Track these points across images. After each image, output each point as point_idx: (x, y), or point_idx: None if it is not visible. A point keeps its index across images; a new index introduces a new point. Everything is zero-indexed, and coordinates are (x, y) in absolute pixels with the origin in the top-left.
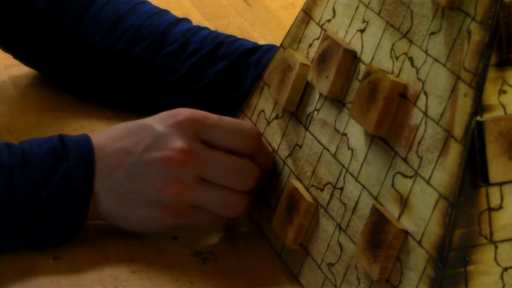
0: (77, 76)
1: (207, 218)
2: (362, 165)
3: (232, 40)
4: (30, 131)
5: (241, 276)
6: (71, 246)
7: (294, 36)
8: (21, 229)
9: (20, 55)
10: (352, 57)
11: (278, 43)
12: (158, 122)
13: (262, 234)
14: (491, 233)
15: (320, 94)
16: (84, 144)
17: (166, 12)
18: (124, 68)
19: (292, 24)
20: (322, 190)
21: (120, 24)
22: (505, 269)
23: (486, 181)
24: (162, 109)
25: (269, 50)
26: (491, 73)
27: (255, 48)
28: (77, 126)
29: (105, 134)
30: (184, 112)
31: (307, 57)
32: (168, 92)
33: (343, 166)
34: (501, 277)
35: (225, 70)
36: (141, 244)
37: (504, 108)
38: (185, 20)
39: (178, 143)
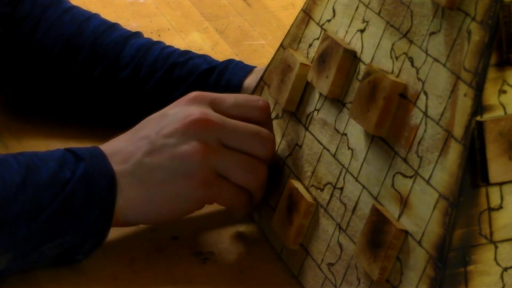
0: (38, 94)
1: (231, 191)
2: (362, 165)
3: (184, 60)
4: (30, 131)
5: (241, 276)
6: None
7: (294, 36)
8: (50, 230)
9: None
10: (352, 57)
11: (278, 43)
12: (167, 108)
13: (262, 234)
14: (491, 233)
15: (320, 94)
16: (94, 149)
17: (112, 28)
18: (85, 88)
19: (292, 24)
20: (322, 190)
21: (69, 47)
22: (505, 269)
23: (486, 181)
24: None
25: (225, 68)
26: (491, 73)
27: (211, 69)
28: (76, 126)
29: (111, 140)
30: (191, 93)
31: (307, 57)
32: (131, 111)
33: (343, 166)
34: (501, 277)
35: (184, 94)
36: (141, 244)
37: (504, 108)
38: (134, 36)
39: (196, 110)
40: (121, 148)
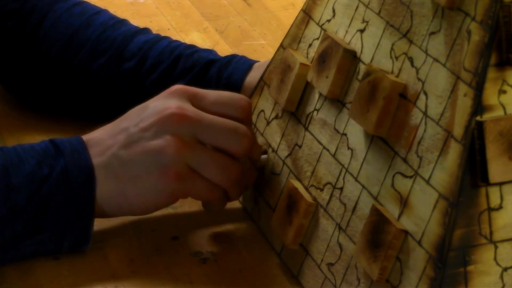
0: (39, 90)
1: (204, 186)
2: (362, 165)
3: (190, 52)
4: (30, 131)
5: (241, 276)
6: None
7: (294, 36)
8: (27, 229)
9: None
10: (352, 57)
11: (278, 43)
12: (150, 101)
13: (262, 234)
14: (491, 233)
15: (320, 94)
16: (76, 142)
17: (122, 23)
18: (85, 84)
19: (292, 24)
20: (321, 190)
21: (75, 38)
22: (505, 269)
23: (486, 181)
24: None
25: (228, 62)
26: (491, 73)
27: (214, 61)
28: (77, 126)
29: (96, 130)
30: (174, 86)
31: (307, 57)
32: (131, 103)
33: (342, 166)
34: (501, 277)
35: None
36: (141, 244)
37: (504, 108)
38: (142, 32)
39: (174, 103)
40: (101, 140)
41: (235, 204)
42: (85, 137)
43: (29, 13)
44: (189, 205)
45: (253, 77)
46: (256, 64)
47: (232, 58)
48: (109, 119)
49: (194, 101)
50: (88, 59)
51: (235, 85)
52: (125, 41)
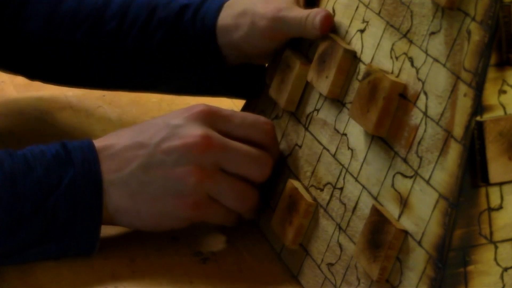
0: (28, 66)
1: (221, 213)
2: (362, 165)
3: (167, 1)
4: (30, 131)
5: (241, 276)
6: None
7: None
8: (32, 239)
9: None
10: (352, 57)
11: None
12: (171, 117)
13: (262, 234)
14: (491, 233)
15: (320, 94)
16: (88, 150)
17: None
18: (72, 54)
19: None
20: (321, 190)
21: (58, 10)
22: (505, 269)
23: (486, 181)
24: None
25: (201, 5)
26: (491, 73)
27: (187, 5)
28: (77, 126)
29: (110, 135)
30: (198, 106)
31: (307, 57)
32: (120, 69)
33: (343, 166)
34: (501, 277)
35: (165, 38)
36: (141, 244)
37: (504, 108)
38: None
39: (197, 130)
40: (118, 152)
41: None
42: (99, 143)
43: None
44: None
45: (223, 18)
46: (227, 3)
47: (204, 0)
48: (104, 85)
49: (218, 124)
50: (71, 29)
51: (209, 28)
52: (107, 2)
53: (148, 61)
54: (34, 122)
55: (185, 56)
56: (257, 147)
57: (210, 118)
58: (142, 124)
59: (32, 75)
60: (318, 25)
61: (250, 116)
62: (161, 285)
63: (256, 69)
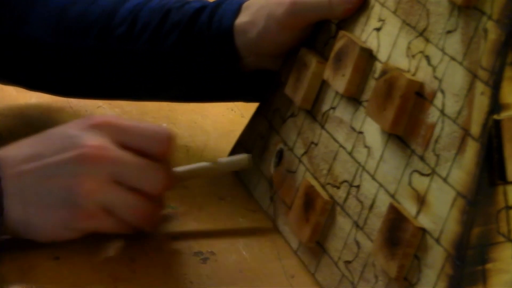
0: (34, 76)
1: (115, 224)
2: (378, 163)
3: (180, 5)
4: (31, 132)
5: (241, 276)
6: (71, 246)
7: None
8: None
9: None
10: (368, 55)
11: None
12: (70, 127)
13: (261, 234)
14: (509, 231)
15: (336, 92)
16: None
17: None
18: (80, 61)
19: None
20: (338, 188)
21: (65, 16)
22: None
23: (503, 179)
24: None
25: (218, 6)
26: (508, 72)
27: (203, 8)
28: None
29: (13, 146)
30: (98, 117)
31: (323, 55)
32: (131, 71)
33: (359, 164)
34: None
35: (179, 41)
36: (141, 244)
37: None
38: None
39: (92, 140)
40: (16, 162)
41: (235, 204)
42: (2, 151)
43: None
44: (189, 205)
45: (241, 18)
46: (245, 4)
47: (222, 1)
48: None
49: (116, 135)
50: (80, 35)
51: (226, 28)
52: (115, 8)
53: (160, 65)
54: (34, 122)
55: (199, 58)
56: (155, 159)
57: (108, 128)
58: (42, 134)
59: (33, 85)
60: None
61: (150, 128)
62: (161, 285)
63: (270, 73)
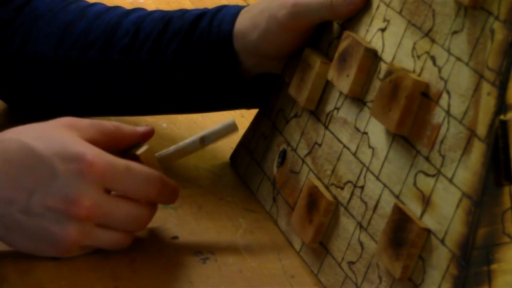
0: (35, 94)
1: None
2: (383, 163)
3: (181, 14)
4: None
5: (241, 276)
6: None
7: (313, 35)
8: None
9: None
10: (373, 56)
11: None
12: (59, 160)
13: (261, 234)
14: None
15: (340, 93)
16: None
17: (116, 8)
18: (84, 73)
19: None
20: (342, 188)
21: (69, 31)
22: None
23: (509, 180)
24: (134, 103)
25: (218, 12)
26: None
27: (204, 14)
28: None
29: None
30: (87, 158)
31: (327, 55)
32: (134, 83)
33: (363, 164)
34: None
35: (179, 48)
36: (141, 244)
37: None
38: (137, 10)
39: (84, 195)
40: (3, 185)
41: (235, 204)
42: None
43: (23, 22)
44: (189, 205)
45: (241, 22)
46: (245, 9)
47: (222, 7)
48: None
49: (107, 183)
50: (84, 49)
51: (225, 33)
52: (119, 21)
53: (161, 74)
54: (34, 122)
55: (200, 65)
56: (143, 201)
57: (99, 179)
58: (31, 157)
59: (38, 106)
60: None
61: (141, 174)
62: (161, 285)
63: (270, 78)
